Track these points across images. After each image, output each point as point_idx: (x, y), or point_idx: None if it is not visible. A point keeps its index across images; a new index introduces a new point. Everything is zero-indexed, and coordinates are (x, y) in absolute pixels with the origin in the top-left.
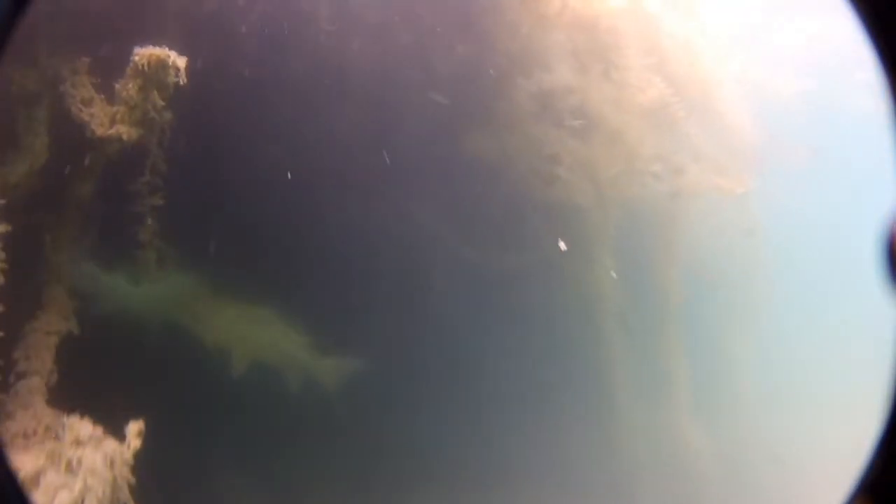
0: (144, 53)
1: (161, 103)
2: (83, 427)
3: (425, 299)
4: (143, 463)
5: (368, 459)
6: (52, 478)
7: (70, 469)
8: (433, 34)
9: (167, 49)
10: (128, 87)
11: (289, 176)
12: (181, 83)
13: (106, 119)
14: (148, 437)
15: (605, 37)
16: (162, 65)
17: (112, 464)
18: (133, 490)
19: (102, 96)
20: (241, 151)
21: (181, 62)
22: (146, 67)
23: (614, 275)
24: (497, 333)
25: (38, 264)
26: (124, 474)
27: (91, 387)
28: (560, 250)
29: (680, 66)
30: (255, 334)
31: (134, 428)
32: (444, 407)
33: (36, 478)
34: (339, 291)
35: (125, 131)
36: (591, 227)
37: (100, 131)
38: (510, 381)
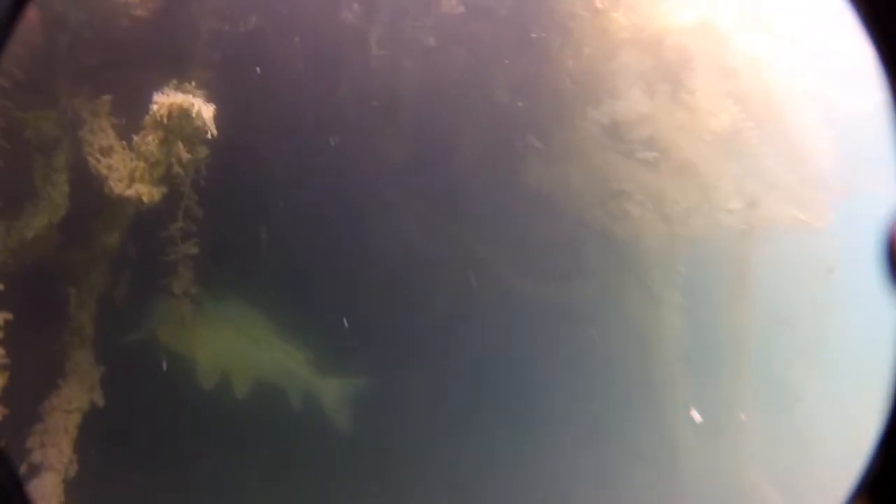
0: (164, 102)
1: (187, 157)
2: None
3: (472, 330)
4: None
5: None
6: None
7: None
8: (491, 56)
9: (191, 94)
10: (147, 141)
11: (334, 203)
12: (209, 135)
13: (125, 174)
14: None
15: (675, 57)
16: (185, 115)
17: None
18: None
19: (125, 143)
20: (283, 182)
21: (208, 111)
22: (166, 119)
23: (679, 314)
24: (549, 367)
25: (59, 325)
26: None
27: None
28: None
29: (752, 87)
30: (255, 354)
31: None
32: (489, 446)
33: None
34: (386, 320)
35: (146, 192)
36: (657, 263)
37: (118, 189)
38: (562, 419)
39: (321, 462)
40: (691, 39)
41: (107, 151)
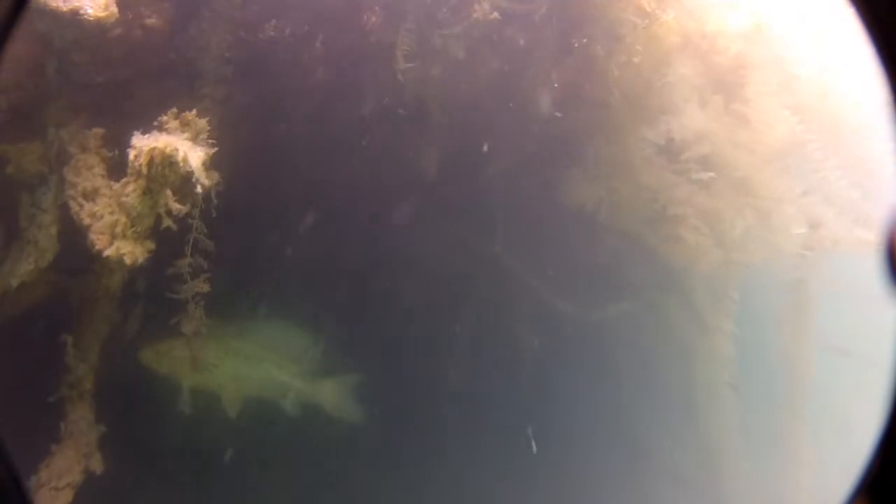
0: (143, 147)
1: (178, 208)
2: None
3: (507, 349)
4: None
5: None
6: None
7: None
8: (528, 64)
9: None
10: (127, 192)
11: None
12: (200, 187)
13: (107, 227)
14: None
15: (729, 64)
16: (168, 162)
17: None
18: None
19: (115, 184)
20: (306, 200)
21: (197, 156)
22: (145, 169)
23: (730, 343)
24: (588, 387)
25: (56, 378)
26: None
27: None
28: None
29: (812, 96)
30: (244, 371)
31: None
32: (527, 467)
33: None
34: (416, 338)
35: (128, 251)
36: (708, 289)
37: (100, 244)
38: (601, 439)
39: (340, 459)
40: (746, 45)
41: (91, 195)
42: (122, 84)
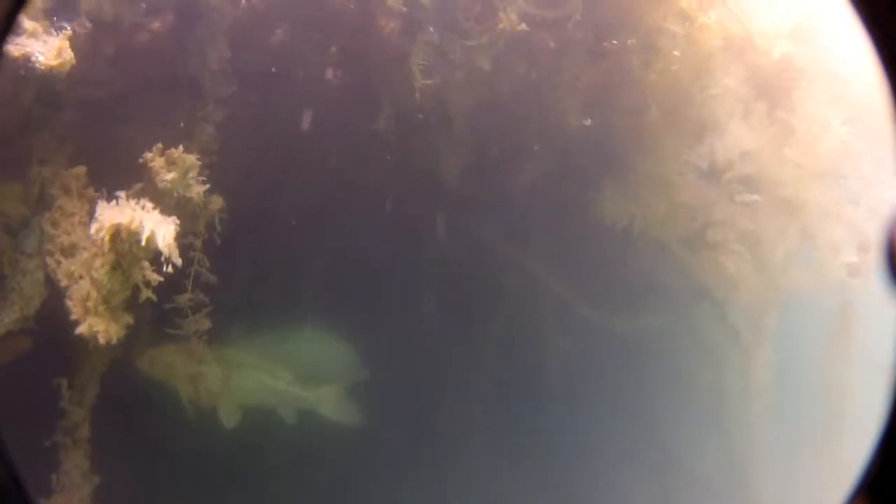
0: (105, 223)
1: (156, 279)
2: None
3: (535, 358)
4: None
5: None
6: None
7: None
8: (557, 70)
9: (143, 211)
10: (94, 267)
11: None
12: (171, 264)
13: (80, 299)
14: None
15: (774, 69)
16: (134, 238)
17: None
18: None
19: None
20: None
21: (166, 231)
22: (108, 246)
23: (769, 369)
24: (616, 398)
25: (49, 423)
26: None
27: None
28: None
29: (860, 102)
30: (240, 382)
31: None
32: (552, 475)
33: None
34: (444, 342)
35: (102, 330)
36: (748, 314)
37: (76, 313)
38: (629, 451)
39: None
40: (791, 45)
41: (70, 251)
42: (117, 100)
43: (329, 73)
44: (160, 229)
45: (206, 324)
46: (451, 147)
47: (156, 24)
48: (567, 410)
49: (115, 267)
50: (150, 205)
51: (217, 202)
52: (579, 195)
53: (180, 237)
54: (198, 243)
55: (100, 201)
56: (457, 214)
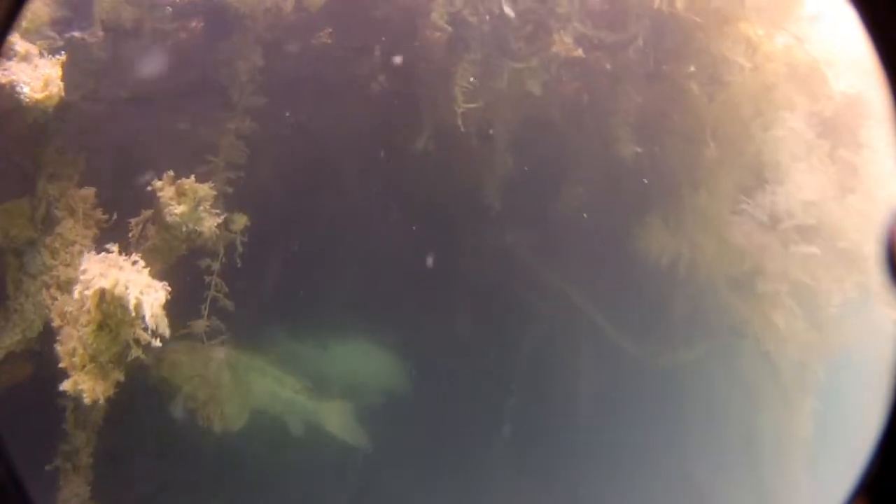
0: (90, 285)
1: (146, 338)
2: None
3: (567, 383)
4: None
5: None
6: None
7: None
8: (611, 96)
9: (133, 269)
10: (79, 327)
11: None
12: (159, 334)
13: (67, 352)
14: None
15: (840, 103)
16: (119, 304)
17: None
18: None
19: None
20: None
21: (155, 299)
22: (93, 310)
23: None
24: (649, 428)
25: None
26: None
27: None
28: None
29: None
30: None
31: None
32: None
33: None
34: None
35: (87, 388)
36: (794, 365)
37: (65, 363)
38: (657, 482)
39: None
40: (856, 80)
41: (66, 286)
42: (136, 112)
43: (373, 82)
44: (147, 297)
45: (221, 354)
46: (494, 166)
47: (182, 31)
48: (597, 438)
49: (102, 327)
50: (140, 263)
51: (241, 221)
52: (624, 224)
53: (195, 259)
54: (215, 266)
55: (86, 254)
56: (496, 234)
